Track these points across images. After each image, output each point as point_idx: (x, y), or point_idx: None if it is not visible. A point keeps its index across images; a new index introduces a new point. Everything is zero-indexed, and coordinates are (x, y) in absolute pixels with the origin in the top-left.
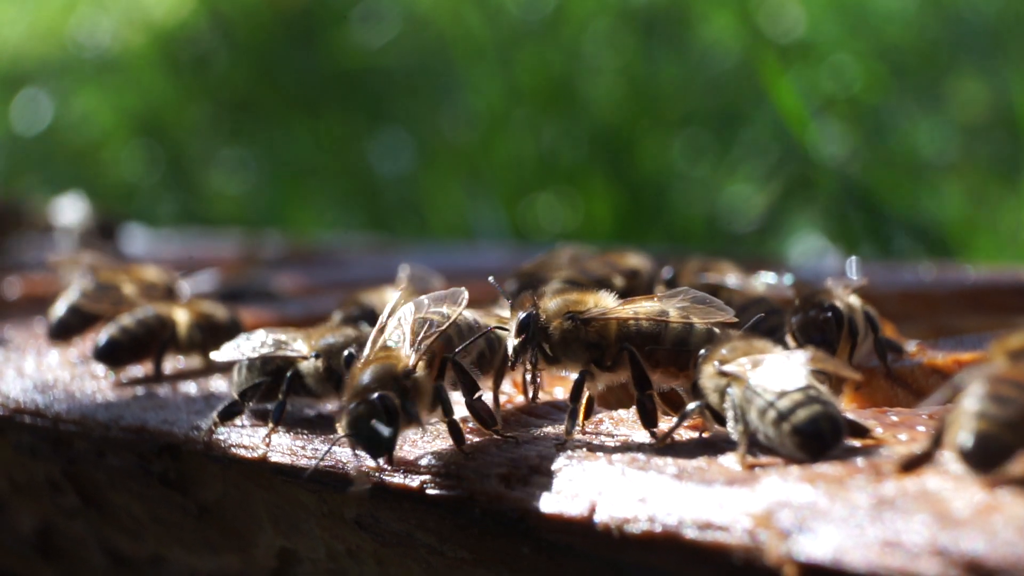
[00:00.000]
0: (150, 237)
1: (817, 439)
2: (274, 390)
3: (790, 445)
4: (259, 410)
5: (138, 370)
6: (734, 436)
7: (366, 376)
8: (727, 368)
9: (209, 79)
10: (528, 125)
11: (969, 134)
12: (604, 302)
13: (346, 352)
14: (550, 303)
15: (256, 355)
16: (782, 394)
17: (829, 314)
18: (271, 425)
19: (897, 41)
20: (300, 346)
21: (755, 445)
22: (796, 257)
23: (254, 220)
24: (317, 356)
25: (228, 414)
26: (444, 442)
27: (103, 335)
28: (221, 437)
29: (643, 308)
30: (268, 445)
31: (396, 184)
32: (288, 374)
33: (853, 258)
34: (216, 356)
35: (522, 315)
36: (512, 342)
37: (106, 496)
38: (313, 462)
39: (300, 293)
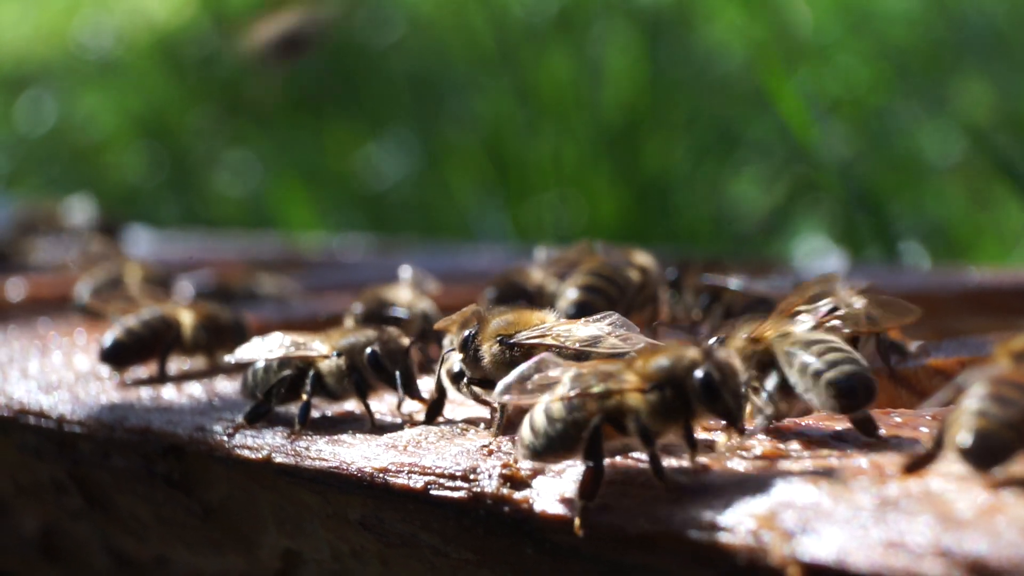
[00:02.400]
0: (153, 239)
1: (851, 395)
2: (291, 391)
3: (825, 397)
4: (262, 412)
5: (143, 371)
6: (760, 405)
7: None
8: (769, 333)
9: (212, 81)
10: (532, 126)
11: (974, 136)
12: (543, 324)
13: (368, 351)
14: (492, 322)
15: (276, 355)
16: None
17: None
18: (298, 426)
19: (902, 42)
20: (319, 346)
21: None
22: (801, 259)
23: (257, 222)
24: (339, 355)
25: (255, 415)
26: (448, 442)
27: (107, 336)
28: (224, 438)
29: (574, 334)
30: (293, 442)
31: (400, 186)
32: (311, 374)
33: (856, 260)
34: (232, 358)
35: (465, 333)
36: (457, 358)
37: (110, 497)
38: (319, 464)
39: (303, 296)
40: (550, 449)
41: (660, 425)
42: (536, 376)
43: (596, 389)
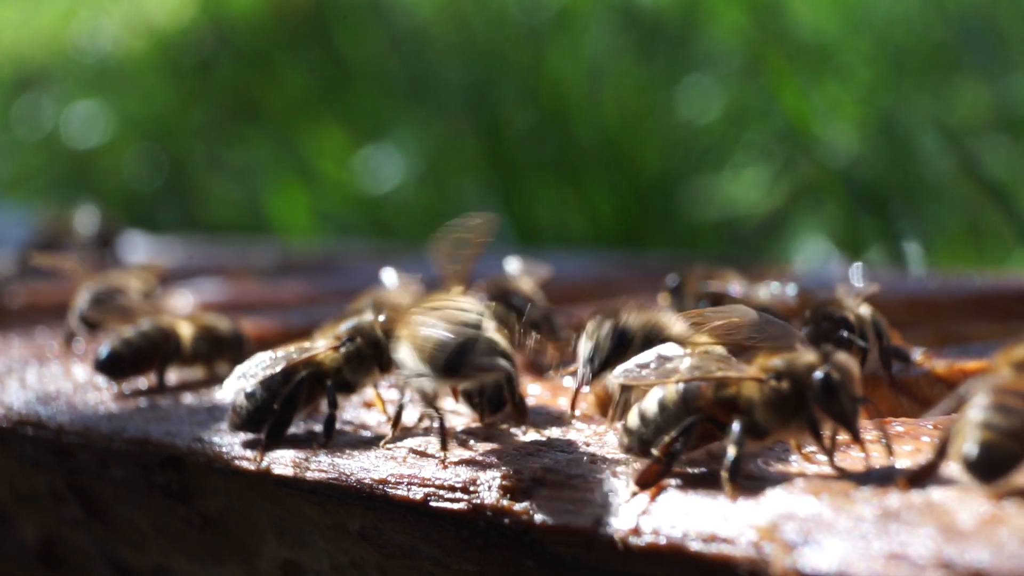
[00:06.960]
0: (151, 243)
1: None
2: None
3: None
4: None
5: (141, 382)
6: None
7: None
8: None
9: (211, 84)
10: (532, 128)
11: (975, 137)
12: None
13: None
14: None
15: (278, 367)
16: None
17: (843, 329)
18: (324, 439)
19: (902, 43)
20: (319, 344)
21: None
22: (801, 261)
23: (255, 227)
24: (351, 339)
25: (276, 433)
26: (448, 453)
27: (104, 347)
28: (223, 449)
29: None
30: (315, 455)
31: (399, 190)
32: (328, 383)
33: (858, 264)
34: (225, 393)
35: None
36: None
37: (109, 507)
38: (318, 475)
39: (302, 302)
40: (656, 437)
41: (772, 421)
42: (654, 363)
43: (717, 373)
